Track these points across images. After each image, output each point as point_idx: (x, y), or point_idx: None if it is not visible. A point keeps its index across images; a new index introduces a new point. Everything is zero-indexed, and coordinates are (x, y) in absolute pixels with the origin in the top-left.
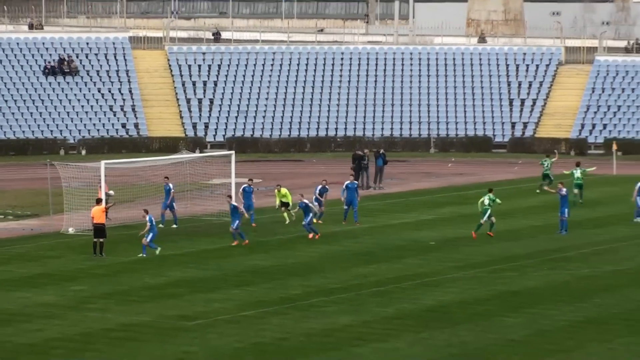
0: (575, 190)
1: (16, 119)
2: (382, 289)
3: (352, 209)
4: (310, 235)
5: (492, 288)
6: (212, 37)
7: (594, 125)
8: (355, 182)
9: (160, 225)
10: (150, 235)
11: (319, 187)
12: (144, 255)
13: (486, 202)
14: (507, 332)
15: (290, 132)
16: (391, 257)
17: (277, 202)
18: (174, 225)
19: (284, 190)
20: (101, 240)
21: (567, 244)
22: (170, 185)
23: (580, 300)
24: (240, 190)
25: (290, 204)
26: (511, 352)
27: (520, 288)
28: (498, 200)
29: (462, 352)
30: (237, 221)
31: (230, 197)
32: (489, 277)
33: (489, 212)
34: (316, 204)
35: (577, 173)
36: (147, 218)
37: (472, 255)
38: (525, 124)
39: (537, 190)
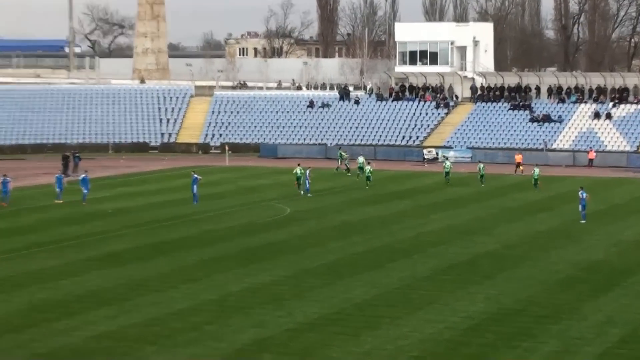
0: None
1: None
2: (80, 241)
3: (83, 191)
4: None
5: (153, 239)
6: None
7: (213, 135)
8: (86, 174)
9: None
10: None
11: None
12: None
13: (298, 171)
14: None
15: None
16: (87, 221)
17: None
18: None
19: None
20: None
21: (203, 210)
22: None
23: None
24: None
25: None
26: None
27: (168, 239)
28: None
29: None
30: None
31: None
32: (149, 231)
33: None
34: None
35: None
36: None
37: (137, 218)
38: (170, 134)
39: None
